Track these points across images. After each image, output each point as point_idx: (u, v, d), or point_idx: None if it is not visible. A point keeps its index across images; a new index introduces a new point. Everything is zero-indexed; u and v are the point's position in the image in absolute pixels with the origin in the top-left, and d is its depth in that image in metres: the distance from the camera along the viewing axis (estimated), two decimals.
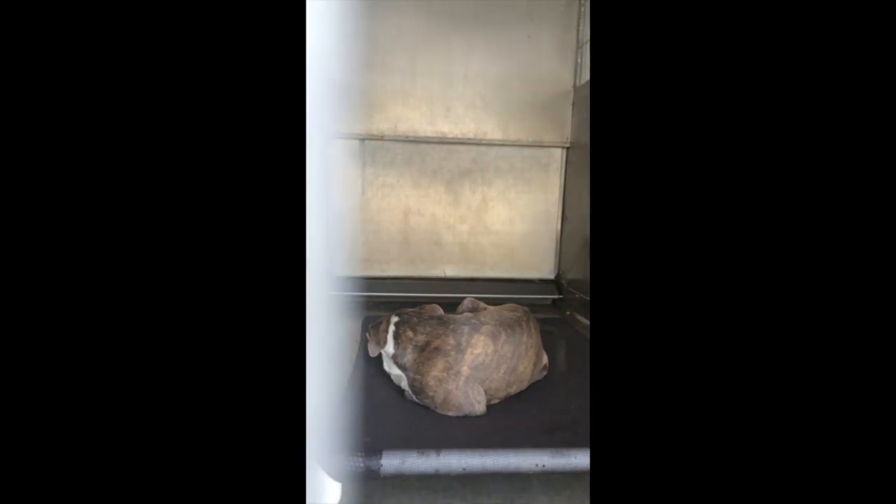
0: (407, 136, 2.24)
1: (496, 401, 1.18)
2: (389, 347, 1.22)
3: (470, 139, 2.27)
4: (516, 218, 2.36)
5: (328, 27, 0.61)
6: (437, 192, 2.31)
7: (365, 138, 2.22)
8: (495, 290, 2.24)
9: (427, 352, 1.16)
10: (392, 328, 1.23)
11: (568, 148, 2.31)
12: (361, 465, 0.91)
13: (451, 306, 1.42)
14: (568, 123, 2.30)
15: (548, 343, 1.42)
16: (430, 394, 1.13)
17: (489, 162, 2.31)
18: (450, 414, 1.12)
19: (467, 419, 1.11)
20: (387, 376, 1.26)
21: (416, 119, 2.24)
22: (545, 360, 1.34)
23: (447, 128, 2.26)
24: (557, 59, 2.26)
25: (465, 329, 1.17)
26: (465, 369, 1.13)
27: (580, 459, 0.95)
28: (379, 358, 1.28)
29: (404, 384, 1.20)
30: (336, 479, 0.91)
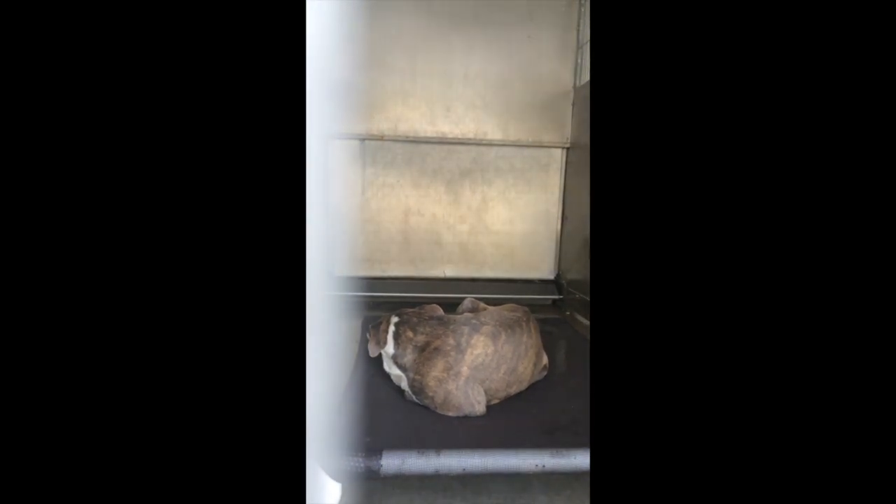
0: (407, 136, 2.24)
1: (496, 401, 1.18)
2: (389, 348, 1.22)
3: (470, 139, 2.27)
4: (516, 218, 2.36)
5: (328, 27, 0.61)
6: (438, 192, 2.31)
7: (365, 138, 2.22)
8: (495, 290, 2.24)
9: (427, 352, 1.16)
10: (392, 328, 1.23)
11: (568, 148, 2.31)
12: (361, 465, 0.91)
13: (451, 306, 1.43)
14: (568, 124, 2.30)
15: (548, 343, 1.42)
16: (430, 394, 1.13)
17: (489, 162, 2.31)
18: (450, 414, 1.12)
19: (467, 419, 1.11)
20: (387, 376, 1.26)
21: (417, 119, 2.24)
22: (545, 360, 1.34)
23: (447, 128, 2.26)
24: (558, 60, 2.26)
25: (465, 329, 1.17)
26: (465, 369, 1.13)
27: (580, 460, 0.95)
28: (379, 358, 1.28)
29: (404, 384, 1.20)
30: (336, 479, 0.91)
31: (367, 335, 1.30)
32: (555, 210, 2.36)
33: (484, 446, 0.97)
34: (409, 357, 1.18)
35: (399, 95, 2.22)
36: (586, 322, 1.95)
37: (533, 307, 1.45)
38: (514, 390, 1.21)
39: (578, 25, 2.25)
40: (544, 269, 2.40)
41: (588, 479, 0.84)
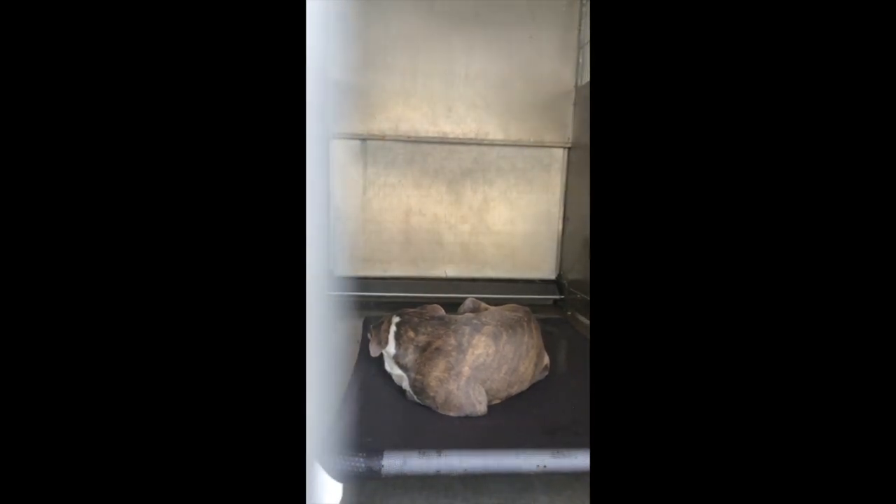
0: (408, 136, 2.24)
1: (497, 401, 1.18)
2: (391, 348, 1.22)
3: (471, 139, 2.27)
4: (518, 218, 2.36)
5: (328, 27, 0.61)
6: (439, 192, 2.31)
7: (366, 138, 2.22)
8: (496, 290, 2.24)
9: (428, 352, 1.16)
10: (393, 328, 1.23)
11: (569, 148, 2.31)
12: (363, 465, 0.91)
13: (453, 306, 1.43)
14: (569, 123, 2.30)
15: (549, 343, 1.42)
16: (432, 394, 1.13)
17: (491, 162, 2.31)
18: (451, 414, 1.12)
19: (468, 419, 1.11)
20: (388, 377, 1.26)
21: (418, 119, 2.24)
22: (546, 360, 1.34)
23: (449, 128, 2.26)
24: (559, 59, 2.26)
25: (467, 329, 1.17)
26: (466, 370, 1.13)
27: (581, 460, 0.95)
28: (380, 358, 1.28)
29: (405, 384, 1.20)
30: (337, 479, 0.91)
31: (369, 335, 1.30)
32: (556, 210, 2.36)
33: (485, 446, 0.97)
34: (410, 357, 1.18)
35: (400, 95, 2.22)
36: (587, 322, 1.95)
37: (534, 307, 1.45)
38: (515, 390, 1.21)
39: (580, 25, 2.25)
40: (545, 269, 2.40)
41: (589, 479, 0.84)
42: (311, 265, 0.55)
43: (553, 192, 2.35)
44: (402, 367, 1.20)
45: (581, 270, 2.11)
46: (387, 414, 1.12)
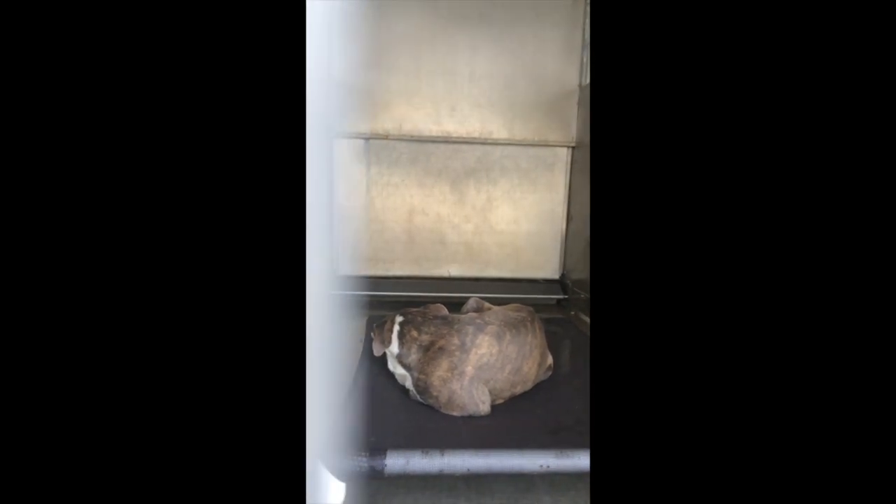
0: (412, 136, 2.24)
1: (501, 401, 1.18)
2: (394, 347, 1.22)
3: (475, 138, 2.27)
4: (521, 217, 2.35)
5: (331, 27, 0.61)
6: (442, 191, 2.30)
7: (370, 137, 2.22)
8: (500, 289, 2.24)
9: (431, 351, 1.16)
10: (397, 328, 1.23)
11: (573, 147, 2.31)
12: (366, 464, 0.92)
13: (456, 306, 1.42)
14: (573, 123, 2.29)
15: (552, 343, 1.41)
16: (435, 394, 1.13)
17: (494, 161, 2.30)
18: (454, 414, 1.12)
19: (472, 419, 1.11)
20: (391, 376, 1.26)
21: (421, 118, 2.24)
22: (550, 360, 1.34)
23: (452, 127, 2.26)
24: (563, 59, 2.26)
25: (470, 329, 1.17)
26: (469, 369, 1.13)
27: (584, 460, 0.95)
28: (383, 357, 1.28)
29: (409, 384, 1.20)
30: (340, 478, 0.91)
31: (372, 334, 1.30)
32: (560, 210, 2.36)
33: (488, 446, 0.96)
34: (413, 356, 1.18)
35: (404, 95, 2.22)
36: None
37: (537, 307, 1.44)
38: (518, 390, 1.21)
39: (583, 24, 2.24)
40: (549, 269, 2.39)
41: None
42: (313, 264, 0.55)
43: (557, 192, 2.35)
44: (405, 366, 1.20)
45: (584, 270, 2.10)
46: (390, 413, 1.12)
